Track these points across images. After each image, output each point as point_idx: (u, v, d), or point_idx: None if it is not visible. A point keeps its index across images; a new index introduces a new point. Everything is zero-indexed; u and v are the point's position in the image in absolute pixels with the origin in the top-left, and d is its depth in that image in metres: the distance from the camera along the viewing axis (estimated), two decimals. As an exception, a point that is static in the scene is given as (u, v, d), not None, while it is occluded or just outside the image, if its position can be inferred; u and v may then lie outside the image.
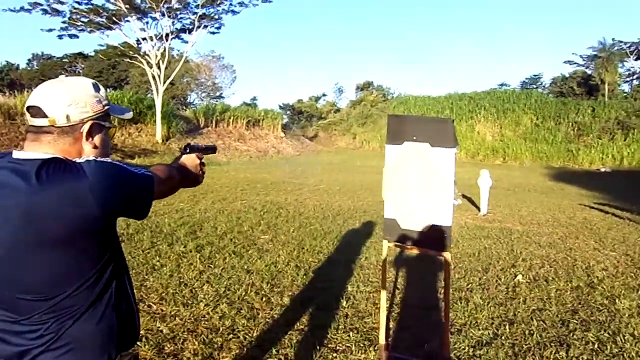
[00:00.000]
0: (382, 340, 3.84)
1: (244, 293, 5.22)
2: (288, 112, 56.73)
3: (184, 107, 43.69)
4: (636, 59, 51.69)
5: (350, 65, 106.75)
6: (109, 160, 1.41)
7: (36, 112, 1.40)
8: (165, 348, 3.83)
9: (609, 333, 4.45)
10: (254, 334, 4.20)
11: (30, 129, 1.43)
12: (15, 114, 21.20)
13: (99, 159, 1.40)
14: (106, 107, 1.53)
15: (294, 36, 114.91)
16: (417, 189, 3.55)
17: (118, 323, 1.48)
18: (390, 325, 4.50)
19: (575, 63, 54.73)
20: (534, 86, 57.93)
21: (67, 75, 1.59)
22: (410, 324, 4.59)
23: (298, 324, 4.48)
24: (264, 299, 5.09)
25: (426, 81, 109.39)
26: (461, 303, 5.13)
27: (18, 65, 54.56)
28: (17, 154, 1.38)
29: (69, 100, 1.42)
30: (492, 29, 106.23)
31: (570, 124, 39.69)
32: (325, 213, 10.68)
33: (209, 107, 35.92)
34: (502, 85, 56.72)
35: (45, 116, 1.39)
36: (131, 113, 1.72)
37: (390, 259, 6.75)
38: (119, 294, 1.50)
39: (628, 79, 53.11)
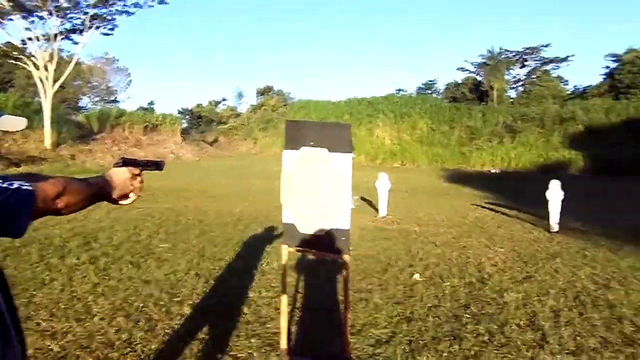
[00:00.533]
0: (283, 344, 3.86)
1: (142, 304, 5.05)
2: (187, 116, 55.59)
3: (76, 112, 41.63)
4: (521, 67, 55.52)
5: (251, 70, 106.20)
6: None
7: None
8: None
9: (497, 325, 4.74)
10: (153, 347, 4.08)
11: None
12: None
13: None
14: None
15: (192, 38, 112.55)
16: (315, 193, 3.61)
17: None
18: (292, 329, 4.53)
19: (467, 70, 57.88)
20: (429, 91, 60.58)
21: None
22: (312, 326, 4.65)
23: (199, 333, 4.40)
24: (163, 309, 4.95)
25: (326, 86, 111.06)
26: (361, 304, 5.26)
27: None
28: None
29: None
30: (390, 36, 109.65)
31: (463, 128, 41.82)
32: (226, 219, 10.56)
33: (102, 112, 34.59)
34: (399, 90, 58.81)
35: None
36: (24, 122, 1.55)
37: (292, 263, 6.78)
38: None
39: (514, 86, 56.90)
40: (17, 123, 1.52)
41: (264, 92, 56.13)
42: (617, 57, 47.32)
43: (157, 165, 1.86)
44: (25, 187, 1.31)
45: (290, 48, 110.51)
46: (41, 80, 27.79)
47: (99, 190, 1.59)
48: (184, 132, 42.12)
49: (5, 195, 1.27)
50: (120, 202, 1.73)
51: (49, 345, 3.99)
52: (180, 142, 37.55)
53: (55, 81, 28.25)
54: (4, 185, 1.28)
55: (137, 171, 1.74)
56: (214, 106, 57.93)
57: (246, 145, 46.30)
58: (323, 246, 3.68)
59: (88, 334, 4.27)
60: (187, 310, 4.98)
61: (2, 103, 24.31)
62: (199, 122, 54.73)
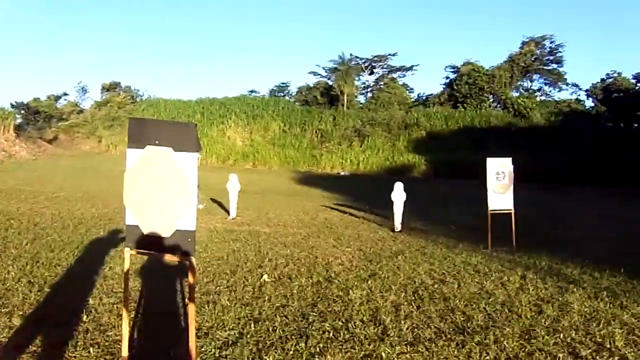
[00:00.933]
0: (124, 352, 3.68)
1: (-39, 317, 4.55)
2: (22, 111, 50.99)
3: None
4: (370, 74, 58.22)
5: (95, 64, 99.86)
6: None
7: None
8: None
9: (342, 321, 4.93)
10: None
11: None
12: None
13: None
14: None
15: (30, 26, 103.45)
16: (160, 193, 3.51)
17: None
18: (135, 336, 4.35)
19: (318, 74, 59.44)
20: (282, 94, 61.37)
21: None
22: (156, 332, 4.50)
23: (31, 345, 4.06)
24: (-12, 322, 4.51)
25: (178, 85, 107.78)
26: (208, 306, 5.19)
27: None
28: None
29: None
30: (244, 36, 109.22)
31: (315, 131, 43.04)
32: (65, 222, 9.88)
33: None
34: (252, 92, 58.97)
35: None
36: None
37: (136, 267, 6.53)
38: None
39: (363, 91, 59.47)
40: None
41: (110, 87, 53.22)
42: (455, 69, 51.26)
43: None
44: None
45: (139, 43, 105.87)
46: None
47: None
48: (18, 128, 38.60)
49: None
50: None
51: None
52: (13, 139, 34.34)
53: None
54: None
55: None
56: (53, 101, 53.76)
57: (89, 143, 43.60)
58: (168, 248, 3.57)
59: None
60: (16, 321, 4.57)
61: None
62: (36, 118, 50.47)
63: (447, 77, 52.37)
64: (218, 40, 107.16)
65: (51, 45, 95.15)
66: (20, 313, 4.78)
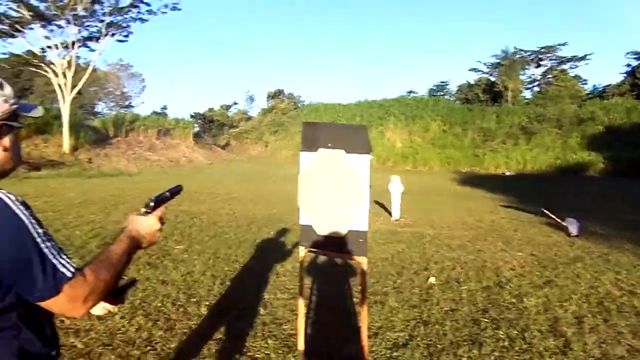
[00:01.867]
0: (300, 346, 3.88)
1: (160, 304, 5.11)
2: (199, 120, 55.83)
3: (93, 117, 42.01)
4: (537, 67, 55.07)
5: (261, 73, 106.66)
6: (14, 206, 1.28)
7: None
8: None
9: (517, 330, 4.70)
10: (172, 345, 4.13)
11: None
12: None
13: (5, 199, 1.28)
14: (14, 107, 1.41)
15: (204, 43, 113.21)
16: (333, 195, 3.64)
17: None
18: (308, 331, 4.55)
19: (480, 71, 57.59)
20: (441, 93, 60.34)
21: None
22: (328, 329, 4.67)
23: (216, 333, 4.45)
24: (180, 309, 5.01)
25: (337, 89, 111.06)
26: (377, 306, 5.27)
27: None
28: None
29: None
30: (400, 37, 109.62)
31: (477, 129, 41.45)
32: (239, 222, 10.62)
33: (118, 117, 34.82)
34: (410, 92, 58.66)
35: None
36: (41, 109, 1.56)
37: (307, 265, 6.83)
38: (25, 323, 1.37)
39: (529, 86, 56.38)
40: (40, 111, 1.56)
41: (275, 95, 56.29)
42: (638, 55, 46.58)
43: (178, 191, 1.80)
44: (60, 271, 1.29)
45: (300, 51, 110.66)
46: (60, 87, 28.10)
47: (128, 257, 1.50)
48: (196, 136, 42.26)
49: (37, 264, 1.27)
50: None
51: (73, 343, 4.06)
52: (192, 145, 37.70)
53: (73, 88, 28.56)
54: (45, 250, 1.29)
55: (163, 212, 1.66)
56: (225, 110, 58.21)
57: (257, 148, 46.43)
58: (340, 248, 3.70)
59: (109, 332, 4.34)
60: (204, 310, 5.03)
61: None
62: (211, 126, 54.95)
63: (629, 65, 47.79)
64: (374, 43, 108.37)
65: (219, 57, 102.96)
66: (207, 303, 5.25)
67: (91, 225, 9.40)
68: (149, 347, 4.07)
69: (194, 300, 5.34)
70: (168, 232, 8.98)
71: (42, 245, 1.28)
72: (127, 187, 17.49)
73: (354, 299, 5.55)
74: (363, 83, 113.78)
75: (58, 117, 27.74)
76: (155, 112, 52.20)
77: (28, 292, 1.26)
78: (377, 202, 14.60)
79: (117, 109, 50.26)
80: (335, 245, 3.69)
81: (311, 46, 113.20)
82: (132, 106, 53.80)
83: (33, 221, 1.29)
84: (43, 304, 1.27)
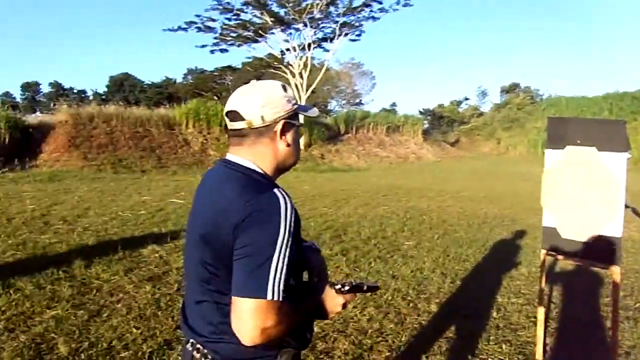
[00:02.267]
0: (539, 355, 3.67)
1: (390, 298, 5.25)
2: (428, 117, 55.86)
3: (325, 115, 44.76)
4: None
5: (494, 67, 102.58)
6: (284, 209, 1.37)
7: (234, 116, 1.51)
8: (317, 346, 3.97)
9: None
10: (402, 339, 4.21)
11: (230, 132, 1.55)
12: (174, 124, 23.05)
13: (281, 199, 1.39)
14: (295, 106, 1.56)
15: (433, 39, 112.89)
16: (582, 196, 3.36)
17: None
18: (547, 341, 4.27)
19: None
20: None
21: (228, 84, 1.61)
22: (568, 340, 4.34)
23: (447, 331, 4.42)
24: (410, 304, 5.09)
25: (579, 81, 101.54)
26: (628, 323, 4.72)
27: (175, 80, 59.27)
28: (228, 156, 1.55)
29: (262, 102, 1.49)
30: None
31: None
32: (470, 221, 10.39)
33: (349, 114, 36.48)
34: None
35: (242, 119, 1.49)
36: (316, 110, 1.69)
37: (546, 270, 6.41)
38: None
39: None
40: (315, 111, 1.67)
41: (509, 89, 53.76)
42: None
43: (375, 290, 1.71)
44: (267, 289, 1.30)
45: (534, 43, 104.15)
46: (297, 87, 30.54)
47: (303, 318, 1.51)
48: (425, 133, 42.32)
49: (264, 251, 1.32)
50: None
51: (311, 326, 4.37)
52: (421, 142, 37.87)
53: (308, 87, 30.83)
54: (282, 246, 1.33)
55: (352, 299, 1.63)
56: (455, 106, 57.35)
57: (488, 145, 44.85)
58: (588, 254, 3.40)
59: (343, 319, 4.57)
60: (434, 307, 5.03)
61: None
62: (440, 123, 54.65)
63: None
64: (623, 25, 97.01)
65: (448, 53, 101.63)
66: (436, 300, 5.24)
67: (324, 217, 10.02)
68: (380, 338, 4.20)
69: (424, 296, 5.37)
70: (398, 228, 9.18)
71: (276, 256, 1.31)
72: (357, 182, 18.28)
73: (599, 312, 5.05)
74: (612, 72, 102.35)
75: (295, 115, 30.14)
76: (384, 109, 53.66)
77: (233, 280, 1.34)
78: (628, 207, 13.08)
79: (348, 107, 52.72)
80: (582, 250, 3.41)
81: (549, 38, 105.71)
82: (362, 103, 55.89)
83: (287, 233, 1.34)
84: (233, 300, 1.32)
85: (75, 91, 62.32)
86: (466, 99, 58.54)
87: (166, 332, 4.10)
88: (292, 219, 1.38)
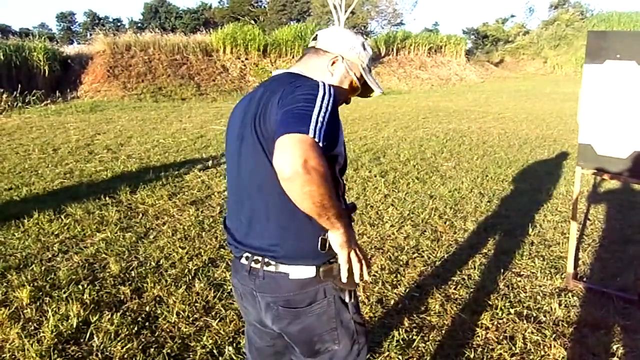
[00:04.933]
0: (570, 268, 3.73)
1: (427, 216, 5.34)
2: (472, 36, 53.88)
3: (365, 36, 43.64)
4: None
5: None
6: (325, 87, 1.39)
7: (314, 38, 1.72)
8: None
9: None
10: (438, 255, 4.32)
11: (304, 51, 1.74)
12: (211, 50, 22.85)
13: (321, 83, 1.42)
14: (362, 67, 1.69)
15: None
16: (620, 112, 3.30)
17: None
18: (580, 256, 4.32)
19: None
20: None
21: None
22: (602, 256, 4.37)
23: (481, 248, 4.50)
24: (447, 222, 5.17)
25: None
26: (664, 239, 4.72)
27: (211, 4, 58.38)
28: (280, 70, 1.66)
29: (340, 35, 1.68)
30: None
31: None
32: (510, 141, 10.25)
33: (389, 35, 35.39)
34: None
35: (316, 39, 1.70)
36: (380, 92, 1.76)
37: (582, 189, 6.37)
38: None
39: None
40: (378, 91, 1.76)
41: (558, 5, 51.13)
42: None
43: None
44: (309, 127, 1.27)
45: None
46: (335, 8, 29.77)
47: (340, 215, 1.36)
48: (468, 53, 40.99)
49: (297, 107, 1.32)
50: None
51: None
52: (464, 63, 36.79)
53: (347, 8, 29.98)
54: (321, 114, 1.31)
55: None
56: (501, 24, 55.02)
57: (534, 65, 43.26)
58: (626, 171, 3.37)
59: (380, 237, 4.71)
60: (470, 225, 5.10)
61: (301, 31, 26.10)
62: (484, 42, 52.74)
63: None
64: None
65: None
66: (473, 219, 5.31)
67: (364, 140, 10.05)
68: (416, 255, 4.32)
69: (461, 215, 5.44)
70: (437, 150, 9.15)
71: (317, 111, 1.30)
72: (398, 104, 18.07)
73: (632, 228, 5.03)
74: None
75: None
76: (426, 29, 52.01)
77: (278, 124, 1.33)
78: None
79: (388, 27, 51.25)
80: (619, 167, 3.38)
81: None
82: (403, 24, 54.14)
83: (328, 96, 1.36)
84: (276, 143, 1.27)
85: (110, 20, 62.34)
86: (512, 16, 56.15)
87: (210, 251, 4.31)
88: (334, 94, 1.39)
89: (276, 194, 1.36)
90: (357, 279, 1.49)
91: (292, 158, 1.20)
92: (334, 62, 1.63)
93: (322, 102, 1.32)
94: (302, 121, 1.26)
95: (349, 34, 1.69)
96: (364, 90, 1.75)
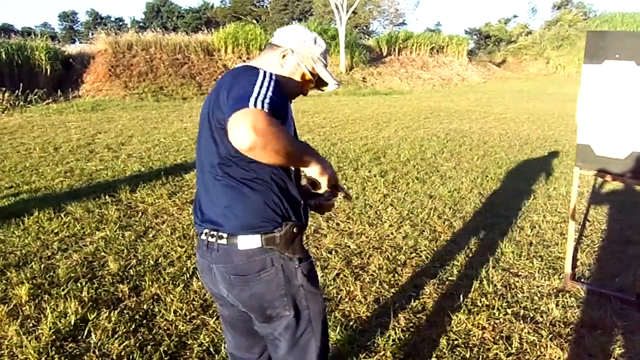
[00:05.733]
0: (567, 269, 3.73)
1: (426, 216, 5.34)
2: (474, 36, 53.85)
3: (367, 36, 43.55)
4: None
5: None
6: (265, 73, 1.50)
7: (272, 34, 1.87)
8: (353, 261, 4.12)
9: None
10: (436, 255, 4.32)
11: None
12: (213, 50, 22.87)
13: (262, 70, 1.53)
14: (315, 60, 1.79)
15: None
16: (619, 113, 3.30)
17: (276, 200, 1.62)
18: (578, 257, 4.32)
19: None
20: None
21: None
22: (601, 257, 4.37)
23: (480, 248, 4.50)
24: (446, 223, 5.17)
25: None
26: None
27: (213, 4, 58.38)
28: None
29: (291, 31, 1.82)
30: None
31: None
32: (511, 142, 10.25)
33: (391, 35, 35.33)
34: None
35: (272, 36, 1.86)
36: (336, 86, 1.87)
37: (582, 189, 6.37)
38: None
39: None
40: (333, 85, 1.87)
41: (561, 5, 51.07)
42: None
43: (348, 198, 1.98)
44: (261, 101, 1.37)
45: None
46: (337, 8, 29.66)
47: (301, 157, 1.53)
48: (470, 53, 40.91)
49: (241, 85, 1.45)
50: (313, 191, 1.74)
51: (347, 243, 4.53)
52: (466, 63, 36.74)
53: (349, 7, 29.88)
54: (261, 90, 1.42)
55: (335, 193, 1.82)
56: (503, 24, 54.96)
57: (536, 65, 43.15)
58: (624, 172, 3.37)
59: (379, 237, 4.72)
60: (469, 225, 5.11)
61: None
62: (487, 42, 52.66)
63: None
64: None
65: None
66: (472, 219, 5.31)
67: (364, 140, 10.06)
68: (414, 254, 4.32)
69: (460, 215, 5.44)
70: (437, 150, 9.16)
71: (257, 87, 1.41)
72: (399, 104, 18.08)
73: (632, 229, 5.03)
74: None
75: (335, 37, 29.33)
76: (428, 29, 51.98)
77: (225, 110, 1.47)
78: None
79: (390, 27, 51.18)
80: (618, 168, 3.38)
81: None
82: (405, 23, 54.10)
83: (268, 78, 1.48)
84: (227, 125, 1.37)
85: (112, 19, 62.40)
86: (515, 16, 56.04)
87: (208, 249, 4.31)
88: (275, 79, 1.50)
89: (222, 173, 1.60)
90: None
91: (242, 130, 1.29)
92: (284, 55, 1.74)
93: (262, 82, 1.44)
94: (243, 99, 1.36)
95: (301, 30, 1.81)
96: (319, 82, 1.87)
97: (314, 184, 1.68)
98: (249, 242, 1.61)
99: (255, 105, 1.34)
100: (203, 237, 1.71)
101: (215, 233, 1.65)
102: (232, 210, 1.61)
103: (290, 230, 1.62)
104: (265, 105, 1.36)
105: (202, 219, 1.72)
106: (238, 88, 1.44)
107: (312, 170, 1.58)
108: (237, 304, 1.75)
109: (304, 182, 1.78)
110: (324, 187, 1.67)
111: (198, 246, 1.81)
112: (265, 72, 1.50)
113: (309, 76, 1.78)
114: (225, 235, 1.63)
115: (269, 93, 1.41)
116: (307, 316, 1.74)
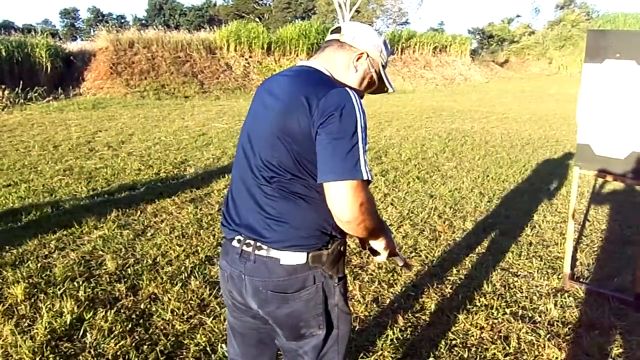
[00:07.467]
0: (566, 269, 3.71)
1: (426, 216, 5.32)
2: (477, 36, 53.71)
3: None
4: None
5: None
6: (355, 102, 1.43)
7: (336, 30, 1.71)
8: (353, 261, 4.11)
9: None
10: (436, 254, 4.31)
11: (323, 44, 1.72)
12: (215, 48, 22.79)
13: (351, 93, 1.45)
14: (382, 64, 1.71)
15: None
16: (619, 112, 3.28)
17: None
18: (578, 257, 4.30)
19: None
20: None
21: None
22: (600, 257, 4.35)
23: (480, 247, 4.49)
24: (446, 222, 5.15)
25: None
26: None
27: (215, 2, 58.42)
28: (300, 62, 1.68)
29: (367, 32, 1.69)
30: None
31: None
32: (513, 142, 10.22)
33: (394, 34, 35.28)
34: None
35: (339, 32, 1.69)
36: (392, 90, 1.80)
37: (582, 189, 6.35)
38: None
39: None
40: (390, 89, 1.80)
41: (564, 5, 50.92)
42: None
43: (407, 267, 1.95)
44: (361, 170, 1.36)
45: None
46: (340, 6, 29.69)
47: (377, 237, 1.63)
48: (473, 53, 40.80)
49: (345, 141, 1.37)
50: (373, 253, 1.77)
51: (347, 243, 4.50)
52: (469, 63, 36.65)
53: (352, 6, 29.89)
54: (358, 144, 1.38)
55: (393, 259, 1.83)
56: (506, 24, 54.83)
57: (539, 65, 43.06)
58: (624, 172, 3.35)
59: (378, 236, 4.69)
60: (469, 225, 5.09)
61: (305, 29, 26.02)
62: (490, 42, 52.53)
63: None
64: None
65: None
66: (472, 219, 5.29)
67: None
68: (414, 254, 4.31)
69: (460, 215, 5.42)
70: (439, 149, 9.13)
71: (360, 142, 1.38)
72: (401, 104, 18.03)
73: (636, 230, 5.01)
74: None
75: (344, 36, 29.27)
76: (431, 29, 51.93)
77: (320, 168, 1.40)
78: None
79: (393, 26, 51.09)
80: (617, 168, 3.36)
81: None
82: (408, 23, 54.00)
83: (363, 121, 1.42)
84: (325, 186, 1.39)
85: (114, 17, 62.46)
86: (518, 16, 55.92)
87: (207, 249, 4.31)
88: (361, 104, 1.46)
89: (282, 186, 1.49)
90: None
91: (351, 206, 1.35)
92: (359, 58, 1.64)
93: (362, 126, 1.40)
94: (351, 162, 1.35)
95: (373, 32, 1.72)
96: (378, 87, 1.78)
97: (374, 251, 1.71)
98: (294, 258, 1.52)
99: (365, 174, 1.36)
100: (236, 244, 1.61)
101: (252, 242, 1.56)
102: (280, 222, 1.51)
103: (338, 248, 1.57)
104: (370, 175, 1.38)
105: (237, 224, 1.62)
106: (339, 138, 1.37)
107: (378, 244, 1.65)
108: (266, 319, 1.66)
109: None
110: (383, 258, 1.73)
111: (225, 251, 1.69)
112: (355, 100, 1.43)
113: (374, 80, 1.71)
114: (265, 247, 1.53)
115: (365, 138, 1.41)
116: (335, 336, 1.66)
